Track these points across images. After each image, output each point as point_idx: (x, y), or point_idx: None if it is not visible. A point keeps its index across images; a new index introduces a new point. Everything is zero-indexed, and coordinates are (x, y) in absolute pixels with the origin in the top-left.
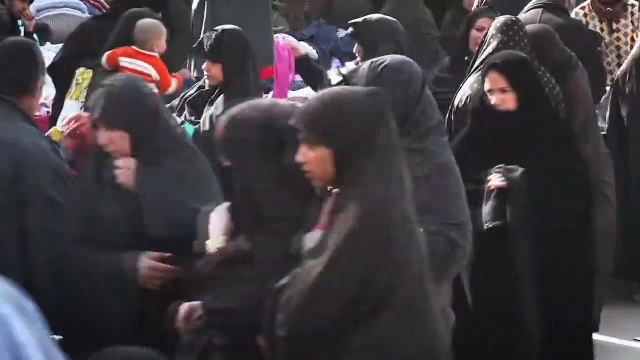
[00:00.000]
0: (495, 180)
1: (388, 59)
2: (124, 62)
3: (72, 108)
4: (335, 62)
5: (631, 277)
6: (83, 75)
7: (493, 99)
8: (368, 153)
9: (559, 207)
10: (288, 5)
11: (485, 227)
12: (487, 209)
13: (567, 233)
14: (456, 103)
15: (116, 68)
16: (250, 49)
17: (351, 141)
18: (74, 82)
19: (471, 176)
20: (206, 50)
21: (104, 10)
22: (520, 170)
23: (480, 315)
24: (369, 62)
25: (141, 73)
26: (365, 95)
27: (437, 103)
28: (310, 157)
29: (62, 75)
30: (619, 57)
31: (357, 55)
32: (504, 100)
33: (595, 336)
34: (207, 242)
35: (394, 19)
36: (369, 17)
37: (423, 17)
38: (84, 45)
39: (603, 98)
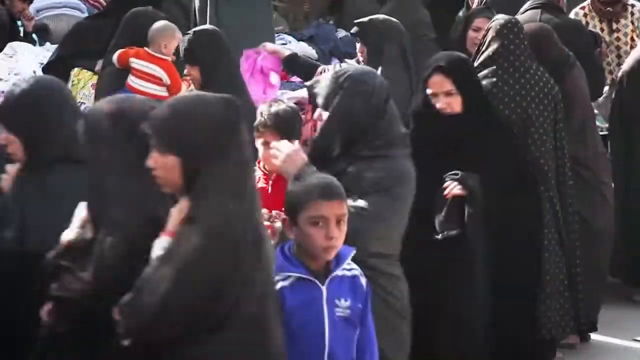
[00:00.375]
0: (453, 188)
1: (351, 69)
2: (135, 63)
3: None
4: (335, 62)
5: (631, 277)
6: (78, 76)
7: (438, 103)
8: (218, 164)
9: (511, 211)
10: (287, 5)
11: (441, 237)
12: (442, 217)
13: (519, 236)
14: None
15: (126, 67)
16: (225, 47)
17: (200, 151)
18: (69, 83)
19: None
20: (182, 54)
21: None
22: (475, 176)
23: (437, 320)
24: (333, 71)
25: (151, 76)
26: (218, 104)
27: None
28: (160, 163)
29: (58, 74)
30: (619, 56)
31: (359, 55)
32: (449, 103)
33: (595, 336)
34: (64, 234)
35: (397, 20)
36: (374, 17)
37: (421, 18)
38: (80, 45)
39: (602, 97)
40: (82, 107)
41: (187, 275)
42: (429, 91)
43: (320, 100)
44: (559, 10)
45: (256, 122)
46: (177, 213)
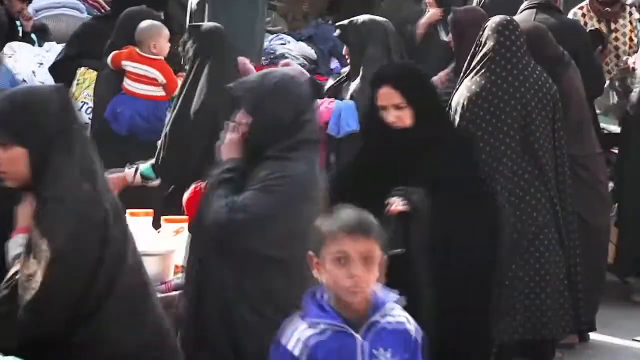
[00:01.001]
0: (397, 204)
1: (279, 72)
2: (128, 65)
3: None
4: (334, 62)
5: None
6: (84, 75)
7: (388, 116)
8: (64, 151)
9: (462, 226)
10: (286, 5)
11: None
12: (387, 234)
13: (468, 252)
14: (453, 104)
15: (120, 69)
16: (205, 49)
17: (44, 139)
18: (75, 82)
19: (366, 198)
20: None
21: (103, 10)
22: (420, 191)
23: None
24: (260, 73)
25: (145, 77)
26: (53, 92)
27: None
28: (5, 157)
29: (64, 74)
30: (617, 56)
31: (346, 56)
32: (399, 117)
33: (594, 336)
34: None
35: (385, 20)
36: (355, 18)
37: (414, 15)
38: (85, 45)
39: (601, 97)
40: (84, 107)
41: (59, 264)
42: (378, 103)
43: (245, 103)
44: (555, 9)
45: None
46: (26, 208)
